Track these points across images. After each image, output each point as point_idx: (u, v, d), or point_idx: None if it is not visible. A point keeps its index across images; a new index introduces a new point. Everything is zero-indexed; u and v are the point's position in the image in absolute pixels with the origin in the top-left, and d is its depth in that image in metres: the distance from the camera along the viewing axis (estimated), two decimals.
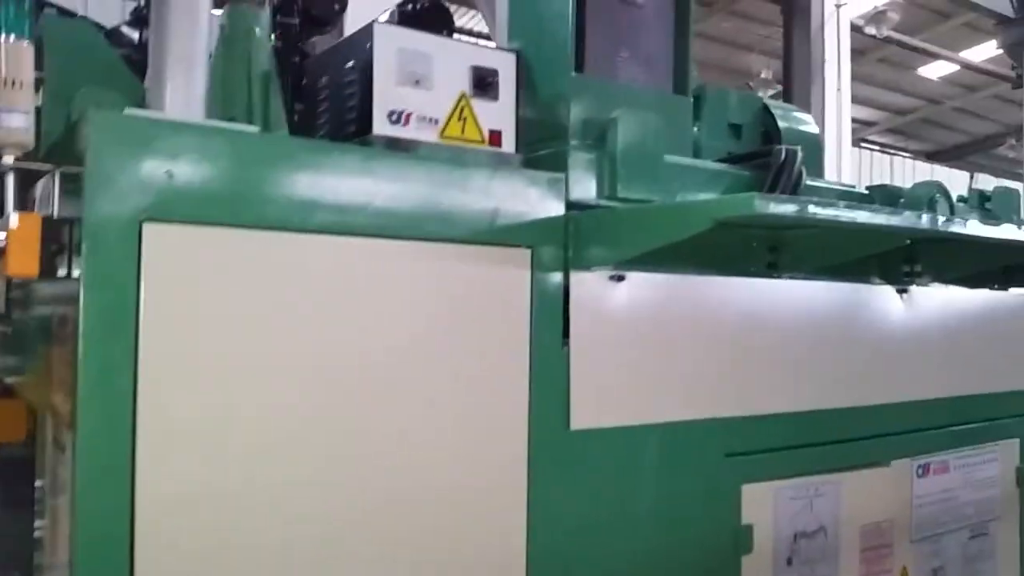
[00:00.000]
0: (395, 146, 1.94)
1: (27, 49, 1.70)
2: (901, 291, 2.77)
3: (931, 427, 2.87)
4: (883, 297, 2.73)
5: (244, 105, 1.92)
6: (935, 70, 17.30)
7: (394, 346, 1.81)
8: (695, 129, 3.65)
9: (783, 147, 2.83)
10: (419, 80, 1.98)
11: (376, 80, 1.93)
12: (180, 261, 1.55)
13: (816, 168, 3.74)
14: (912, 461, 2.83)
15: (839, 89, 9.56)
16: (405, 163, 1.86)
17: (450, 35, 3.37)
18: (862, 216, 1.98)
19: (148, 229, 1.51)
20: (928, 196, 3.00)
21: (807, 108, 9.72)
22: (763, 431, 2.38)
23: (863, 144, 19.60)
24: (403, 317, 1.83)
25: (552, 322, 2.01)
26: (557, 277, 2.02)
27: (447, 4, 3.57)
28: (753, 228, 2.35)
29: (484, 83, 2.07)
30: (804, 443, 2.47)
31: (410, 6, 3.38)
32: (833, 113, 9.56)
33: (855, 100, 17.95)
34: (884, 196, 3.10)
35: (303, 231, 1.70)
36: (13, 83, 1.67)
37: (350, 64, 2.03)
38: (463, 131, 2.05)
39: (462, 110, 2.05)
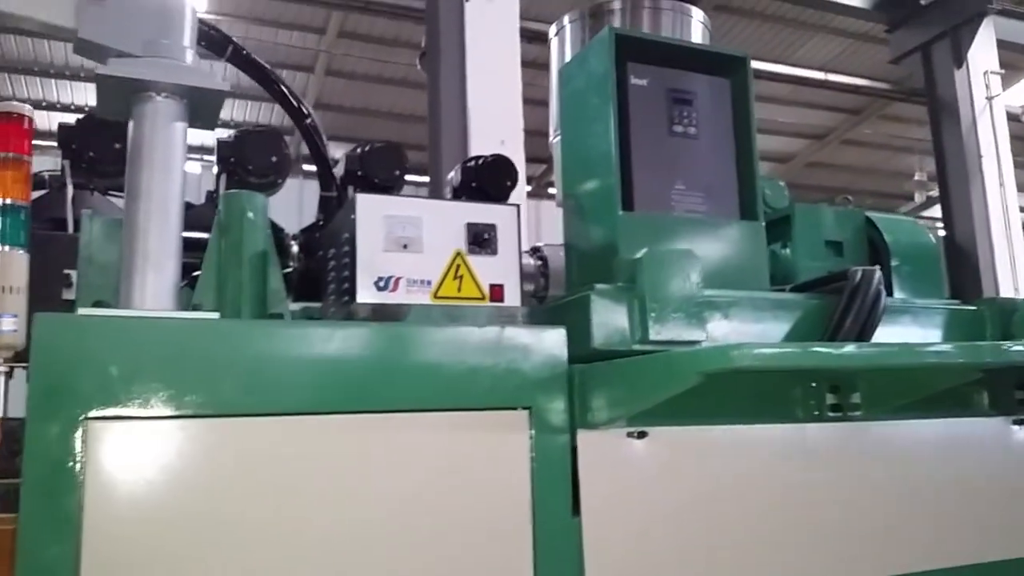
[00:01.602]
0: (382, 312, 1.86)
1: (21, 257, 1.78)
2: (1018, 422, 2.35)
3: None
4: (993, 431, 2.33)
5: (236, 288, 1.90)
6: None
7: (372, 529, 1.67)
8: (787, 251, 3.40)
9: (859, 268, 2.53)
10: (407, 244, 1.91)
11: (360, 249, 1.87)
12: (125, 456, 1.50)
13: (934, 279, 3.38)
14: None
15: (1002, 184, 8.80)
16: (370, 332, 1.76)
17: (513, 186, 3.37)
18: (901, 358, 1.69)
19: (91, 427, 1.48)
20: None
21: (967, 208, 9.00)
22: None
23: None
24: (380, 497, 1.69)
25: (559, 490, 1.81)
26: (562, 439, 1.83)
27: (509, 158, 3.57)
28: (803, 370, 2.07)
29: (481, 239, 1.97)
30: None
31: (473, 162, 3.40)
32: (998, 208, 8.79)
33: None
34: (997, 311, 2.70)
35: (267, 414, 1.62)
36: (7, 289, 1.73)
37: (344, 235, 1.99)
38: (459, 289, 1.95)
39: (457, 268, 1.95)
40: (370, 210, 1.90)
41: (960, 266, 8.65)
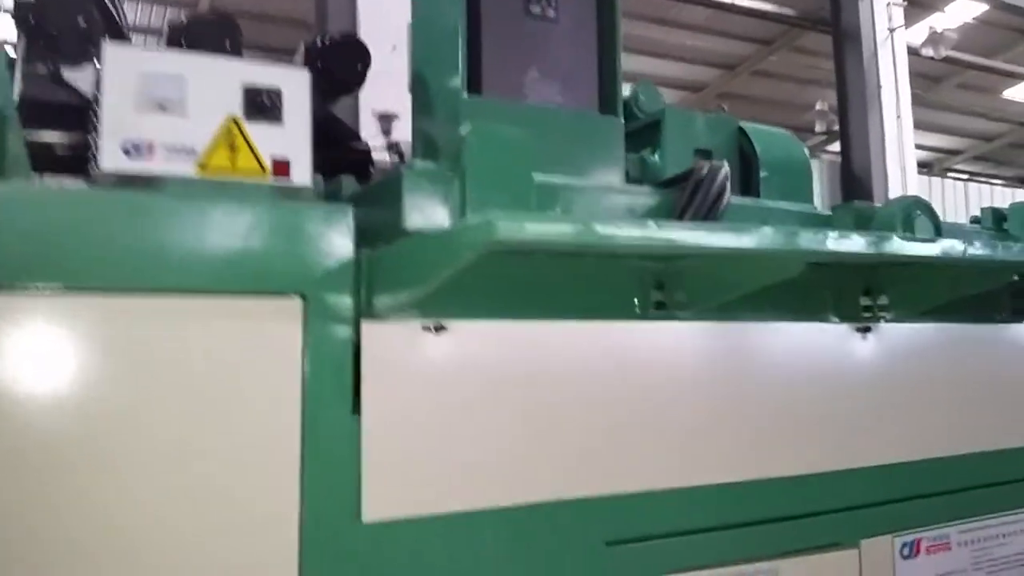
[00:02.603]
0: (132, 183, 1.58)
1: None
2: (863, 330, 2.22)
3: (918, 495, 2.28)
4: (834, 338, 2.19)
5: None
6: (1022, 92, 16.14)
7: (111, 423, 1.42)
8: (655, 156, 3.22)
9: (706, 163, 2.35)
10: (166, 105, 1.62)
11: (106, 108, 1.58)
12: None
13: (803, 194, 3.24)
14: (894, 538, 2.24)
15: (899, 116, 8.82)
16: (97, 199, 1.50)
17: (364, 69, 3.07)
18: (717, 239, 1.50)
19: None
20: (904, 213, 2.45)
21: (864, 138, 9.02)
22: (662, 510, 1.87)
23: (949, 174, 18.39)
24: (119, 390, 1.44)
25: (336, 387, 1.58)
26: (342, 331, 1.59)
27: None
28: (625, 259, 1.88)
29: (261, 105, 1.69)
30: (721, 524, 1.94)
31: (319, 42, 3.09)
32: (894, 141, 8.81)
33: (935, 129, 16.95)
34: (852, 216, 2.55)
35: None
36: None
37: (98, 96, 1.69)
38: (234, 162, 1.67)
39: (231, 137, 1.67)
40: (120, 64, 1.60)
41: (854, 193, 8.70)
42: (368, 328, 1.60)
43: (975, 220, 3.04)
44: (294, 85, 1.73)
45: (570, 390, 1.77)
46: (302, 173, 1.72)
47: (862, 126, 8.87)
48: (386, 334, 1.61)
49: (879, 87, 8.79)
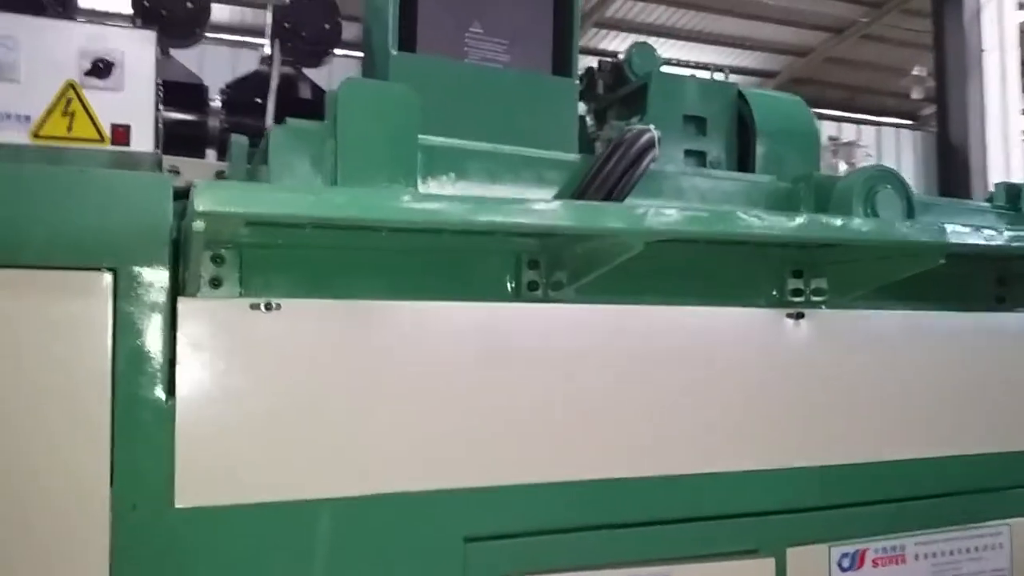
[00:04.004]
0: None
1: None
2: (795, 316, 1.98)
3: (863, 501, 2.04)
4: (760, 323, 1.95)
5: None
6: None
7: None
8: (639, 123, 3.02)
9: (633, 128, 2.14)
10: None
11: None
12: None
13: (806, 164, 2.97)
14: (831, 547, 2.01)
15: (1004, 81, 8.04)
16: None
17: (333, 29, 2.97)
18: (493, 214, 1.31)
19: None
20: (867, 187, 2.17)
21: (963, 106, 8.29)
22: (531, 506, 1.72)
23: None
24: None
25: (147, 368, 1.49)
26: (157, 309, 1.50)
27: None
28: (494, 235, 1.71)
29: (101, 69, 1.62)
30: (601, 523, 1.77)
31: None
32: (997, 110, 8.05)
33: None
34: (812, 188, 2.28)
35: None
36: None
37: None
38: (70, 128, 1.60)
39: (68, 103, 1.60)
40: None
41: (950, 167, 8.02)
42: (186, 305, 1.50)
43: (988, 198, 2.70)
44: (138, 48, 1.65)
45: (420, 375, 1.63)
46: (143, 139, 1.64)
47: (961, 93, 8.15)
48: (206, 312, 1.52)
49: (981, 51, 8.03)
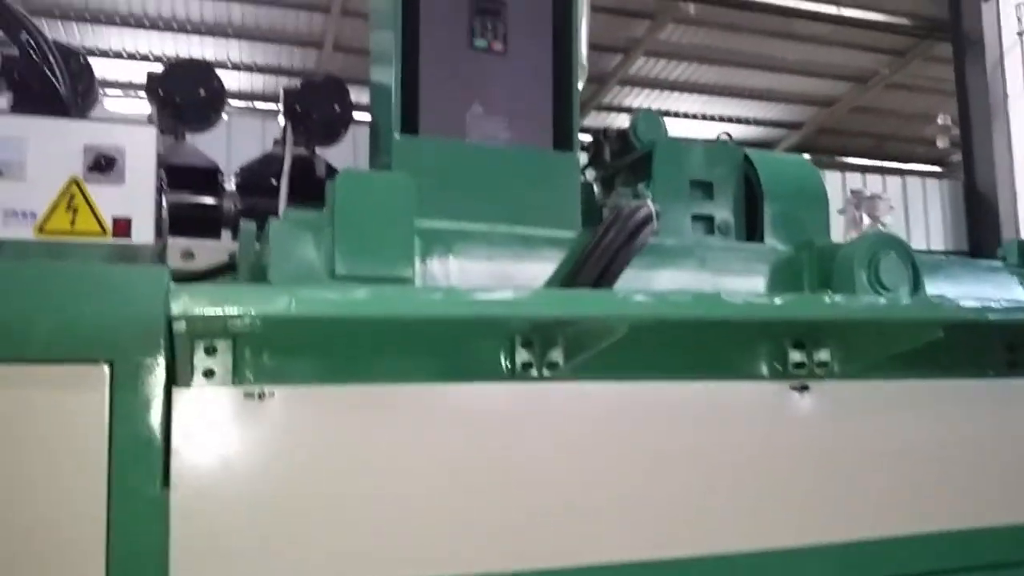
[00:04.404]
0: None
1: None
2: (800, 388, 1.95)
3: None
4: (764, 397, 1.93)
5: None
6: None
7: None
8: (645, 189, 3.03)
9: (634, 202, 2.15)
10: (4, 169, 1.62)
11: None
12: None
13: (815, 226, 2.96)
14: None
15: None
16: None
17: (344, 111, 3.04)
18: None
19: None
20: (870, 254, 2.15)
21: (989, 154, 8.21)
22: None
23: None
24: None
25: (144, 459, 1.50)
26: (153, 399, 1.52)
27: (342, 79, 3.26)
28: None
29: (103, 164, 1.67)
30: None
31: (298, 85, 3.10)
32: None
33: None
34: (816, 256, 2.27)
35: None
36: None
37: None
38: (73, 223, 1.65)
39: (72, 198, 1.65)
40: None
41: (979, 217, 7.92)
42: (180, 395, 1.52)
43: (1002, 256, 2.66)
44: (139, 142, 1.70)
45: (420, 460, 1.63)
46: (144, 231, 1.68)
47: (986, 140, 8.08)
48: (200, 402, 1.53)
49: (1006, 97, 7.99)
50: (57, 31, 11.50)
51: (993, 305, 1.71)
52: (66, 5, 11.10)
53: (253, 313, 1.30)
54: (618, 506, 1.76)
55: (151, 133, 1.71)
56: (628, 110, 14.85)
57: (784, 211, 2.94)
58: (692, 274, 2.22)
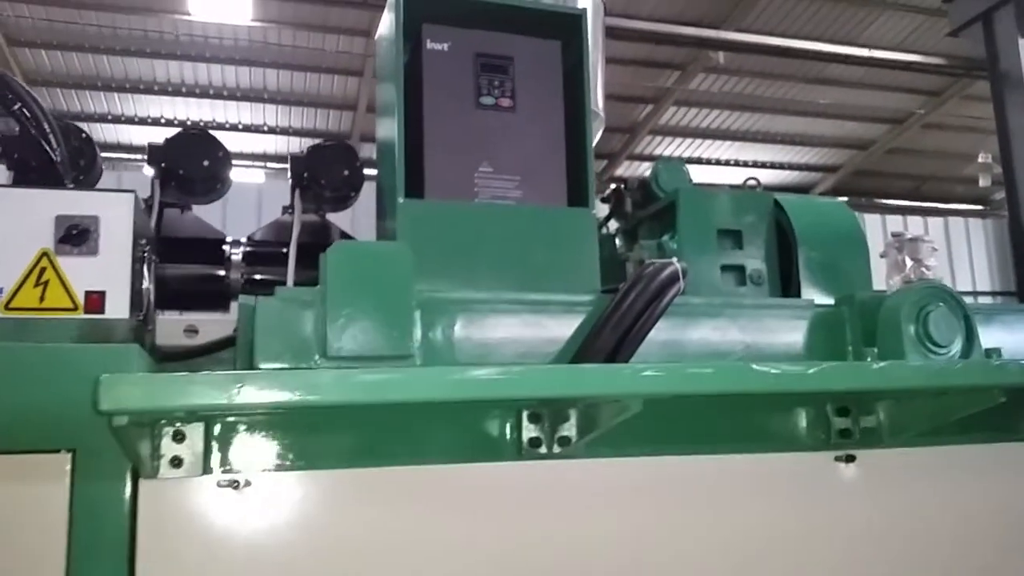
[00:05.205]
0: None
1: None
2: (846, 459, 1.74)
3: None
4: (809, 469, 1.72)
5: None
6: None
7: None
8: (670, 241, 2.87)
9: (658, 262, 1.97)
10: None
11: None
12: None
13: (853, 273, 2.77)
14: None
15: None
16: None
17: (353, 175, 2.93)
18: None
19: None
20: (918, 307, 1.94)
21: None
22: None
23: None
24: None
25: (106, 552, 1.35)
26: (117, 489, 1.37)
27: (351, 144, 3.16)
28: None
29: (75, 236, 1.55)
30: None
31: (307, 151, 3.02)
32: None
33: None
34: (858, 310, 2.07)
35: None
36: None
37: None
38: (42, 298, 1.52)
39: (42, 272, 1.53)
40: None
41: None
42: (147, 487, 1.37)
43: None
44: (114, 212, 1.58)
45: (413, 549, 1.45)
46: (118, 305, 1.55)
47: None
48: (169, 492, 1.38)
49: None
50: (100, 102, 11.78)
51: None
52: (107, 77, 11.33)
53: (183, 405, 1.14)
54: None
55: (128, 201, 1.59)
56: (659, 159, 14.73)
57: (820, 258, 2.75)
58: (722, 334, 2.03)
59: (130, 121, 12.05)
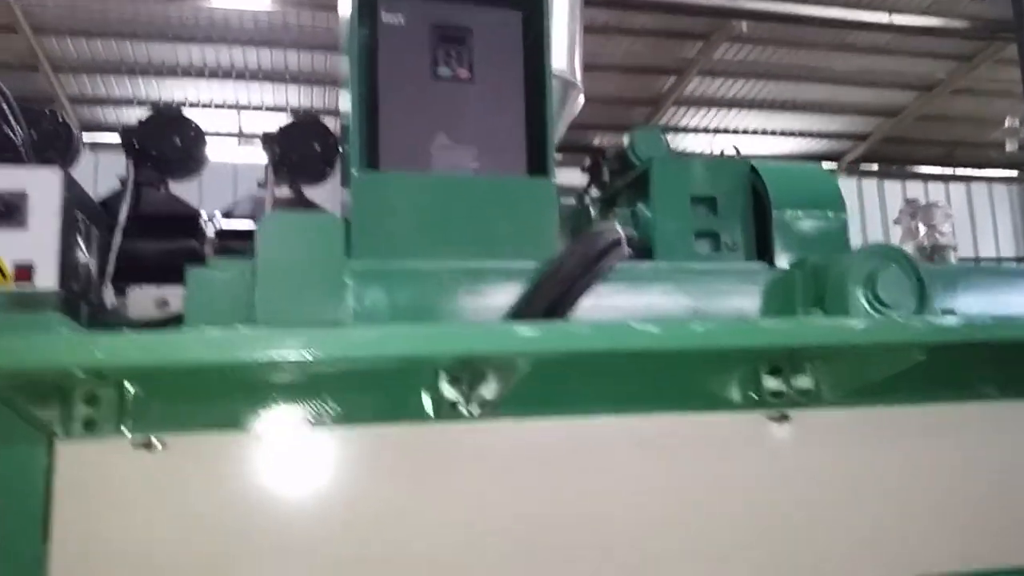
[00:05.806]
0: None
1: None
2: (780, 418, 1.72)
3: None
4: (740, 429, 1.71)
5: None
6: None
7: None
8: (644, 209, 2.85)
9: (603, 228, 1.96)
10: None
11: None
12: None
13: (832, 238, 2.73)
14: None
15: None
16: None
17: (327, 153, 2.95)
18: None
19: None
20: (868, 269, 1.91)
21: None
22: None
23: None
24: None
25: (22, 513, 1.39)
26: (31, 452, 1.40)
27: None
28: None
29: (4, 210, 1.58)
30: None
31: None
32: None
33: None
34: (811, 273, 2.04)
35: None
36: None
37: None
38: None
39: None
40: None
41: None
42: (63, 448, 1.40)
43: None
44: (44, 186, 1.60)
45: (323, 514, 1.47)
46: (48, 277, 1.58)
47: None
48: (85, 454, 1.41)
49: None
50: (124, 86, 11.93)
51: (981, 322, 1.46)
52: (131, 62, 11.47)
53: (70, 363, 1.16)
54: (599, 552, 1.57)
55: (55, 177, 1.62)
56: (685, 130, 14.53)
57: (794, 223, 2.71)
58: (670, 298, 2.02)
59: (154, 104, 12.19)
